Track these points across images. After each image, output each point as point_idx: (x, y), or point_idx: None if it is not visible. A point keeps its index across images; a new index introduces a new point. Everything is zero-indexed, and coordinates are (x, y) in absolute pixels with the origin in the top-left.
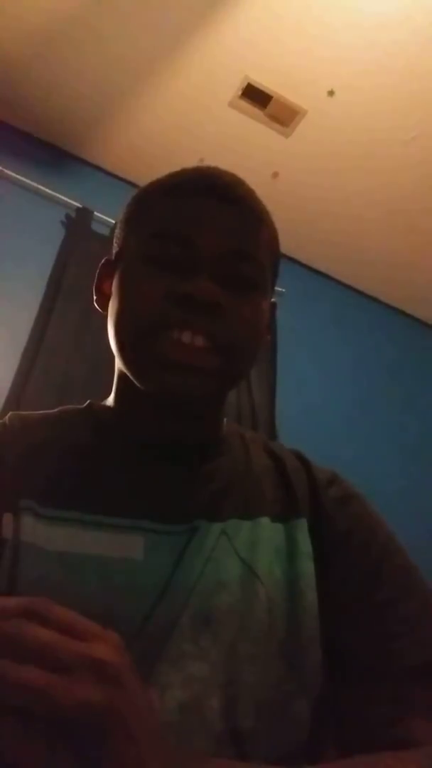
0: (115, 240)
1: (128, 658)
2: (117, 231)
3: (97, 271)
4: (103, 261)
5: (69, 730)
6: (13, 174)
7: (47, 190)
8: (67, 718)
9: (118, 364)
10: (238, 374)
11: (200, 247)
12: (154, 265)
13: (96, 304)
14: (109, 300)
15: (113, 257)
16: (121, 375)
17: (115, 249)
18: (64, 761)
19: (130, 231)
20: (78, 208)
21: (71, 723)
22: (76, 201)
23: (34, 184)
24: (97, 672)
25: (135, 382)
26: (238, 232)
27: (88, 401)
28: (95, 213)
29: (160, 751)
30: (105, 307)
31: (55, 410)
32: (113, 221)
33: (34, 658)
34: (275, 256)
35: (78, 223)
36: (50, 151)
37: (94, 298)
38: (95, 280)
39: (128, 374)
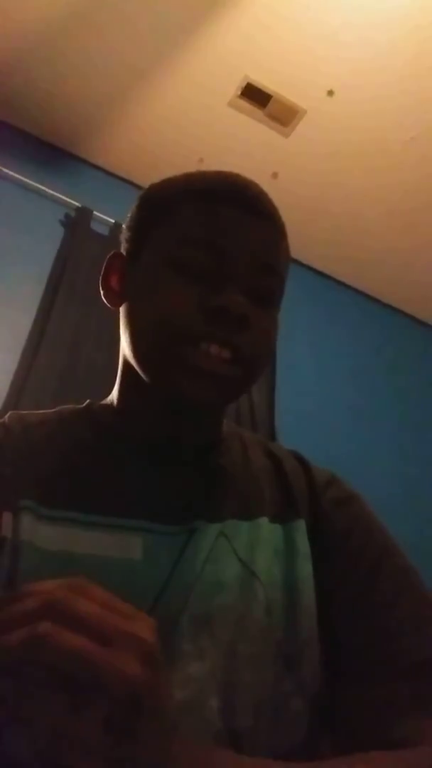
0: (127, 236)
1: (158, 642)
2: (131, 226)
3: (104, 264)
4: (111, 254)
5: (103, 700)
6: (13, 173)
7: (47, 190)
8: (105, 687)
9: (131, 362)
10: (250, 383)
11: (232, 258)
12: (184, 272)
13: (104, 299)
14: (117, 296)
15: (124, 252)
16: (126, 375)
17: (127, 245)
18: (92, 728)
19: (151, 231)
20: (77, 208)
21: (108, 693)
22: (75, 200)
23: (34, 184)
24: (137, 649)
25: (148, 382)
26: (267, 245)
27: (87, 401)
28: (95, 212)
29: (179, 733)
30: (113, 302)
31: (55, 410)
32: (113, 221)
33: (79, 626)
34: (289, 266)
35: (78, 223)
36: (50, 151)
37: (102, 292)
38: (102, 274)
39: (142, 374)
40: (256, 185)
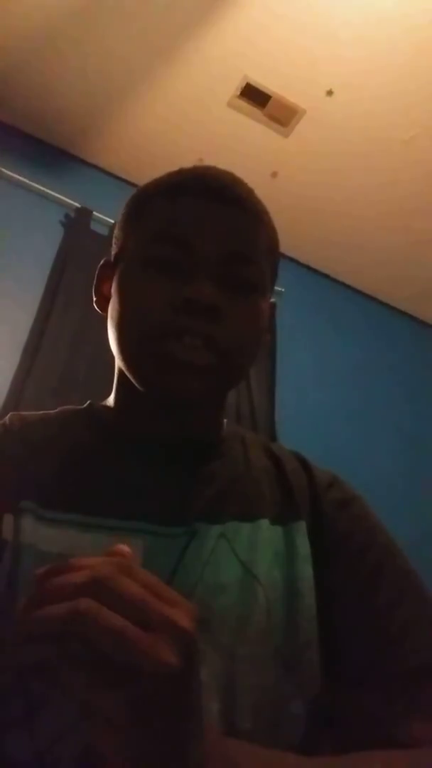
0: (114, 242)
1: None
2: (116, 232)
3: (96, 272)
4: (101, 262)
5: (135, 682)
6: (13, 174)
7: (46, 190)
8: (139, 671)
9: (118, 364)
10: (236, 375)
11: (199, 249)
12: (154, 268)
13: (96, 306)
14: (108, 301)
15: (112, 259)
16: (121, 376)
17: (114, 251)
18: (120, 707)
19: (128, 233)
20: (77, 208)
21: (141, 677)
22: (75, 200)
23: (34, 184)
24: (175, 637)
25: (134, 382)
26: (237, 233)
27: (88, 402)
28: (94, 212)
29: (204, 726)
30: (105, 309)
31: (55, 410)
32: (112, 221)
33: (121, 607)
34: (275, 256)
35: (77, 223)
36: (49, 151)
37: (94, 299)
38: (94, 282)
39: (128, 375)
40: (227, 175)
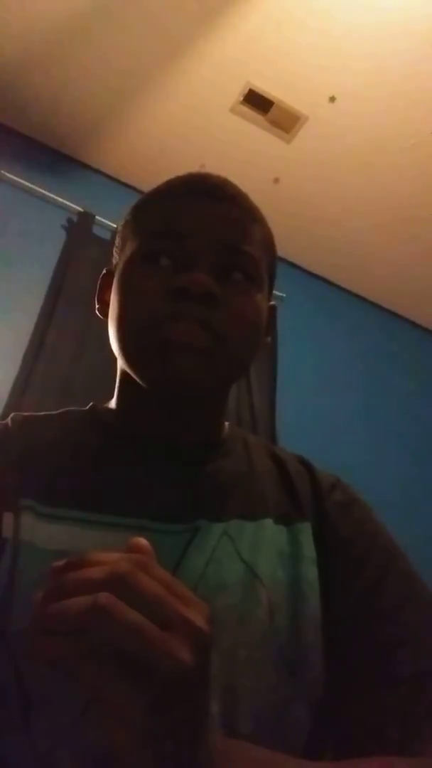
0: (114, 251)
1: (211, 631)
2: (116, 242)
3: (98, 282)
4: (103, 272)
5: (150, 678)
6: (16, 178)
7: (49, 194)
8: (155, 667)
9: (120, 364)
10: (235, 364)
11: (194, 242)
12: (150, 262)
13: (98, 312)
14: (109, 307)
15: (113, 268)
16: (123, 376)
17: (114, 260)
18: (134, 701)
19: (126, 237)
20: (79, 212)
21: (156, 673)
22: (77, 205)
23: (36, 188)
24: (191, 636)
25: (135, 376)
26: (230, 227)
27: (90, 403)
28: (97, 217)
29: (209, 727)
30: (106, 315)
31: (58, 411)
32: (114, 225)
33: (140, 603)
34: (271, 255)
35: (79, 227)
36: (52, 155)
37: (96, 307)
38: (97, 291)
39: (129, 371)
40: (219, 177)
